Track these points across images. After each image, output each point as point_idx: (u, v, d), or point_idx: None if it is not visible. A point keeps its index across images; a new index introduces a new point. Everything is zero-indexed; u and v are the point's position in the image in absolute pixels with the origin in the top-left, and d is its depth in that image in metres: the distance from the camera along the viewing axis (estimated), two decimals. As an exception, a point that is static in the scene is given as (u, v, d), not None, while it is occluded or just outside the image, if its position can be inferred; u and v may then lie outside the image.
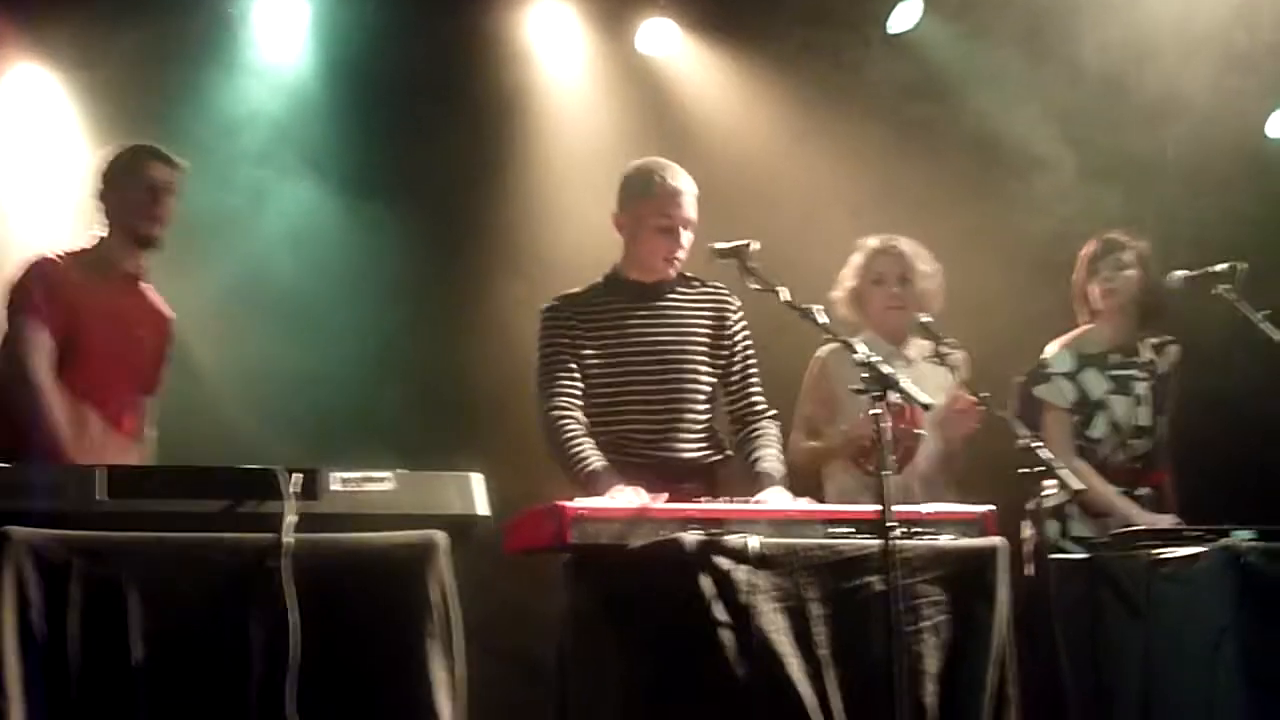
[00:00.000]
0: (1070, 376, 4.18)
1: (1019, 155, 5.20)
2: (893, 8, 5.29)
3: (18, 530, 2.66)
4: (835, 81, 5.25)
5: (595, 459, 3.53)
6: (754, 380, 3.81)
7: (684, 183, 3.72)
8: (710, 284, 3.80)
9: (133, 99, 4.73)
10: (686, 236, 3.70)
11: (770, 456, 3.71)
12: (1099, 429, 4.16)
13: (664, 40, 5.38)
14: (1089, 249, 4.28)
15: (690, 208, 3.70)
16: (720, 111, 5.40)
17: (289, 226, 4.96)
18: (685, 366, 3.72)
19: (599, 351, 3.67)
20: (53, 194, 4.83)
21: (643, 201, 3.70)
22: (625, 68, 5.38)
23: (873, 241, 4.20)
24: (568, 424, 3.59)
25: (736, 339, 3.79)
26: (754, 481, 3.65)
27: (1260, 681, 3.44)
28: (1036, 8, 5.11)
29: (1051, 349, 4.25)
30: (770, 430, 3.77)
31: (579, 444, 3.56)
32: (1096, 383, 4.18)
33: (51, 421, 3.58)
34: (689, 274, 3.80)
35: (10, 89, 4.97)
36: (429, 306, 5.03)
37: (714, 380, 3.77)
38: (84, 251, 3.78)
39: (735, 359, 3.79)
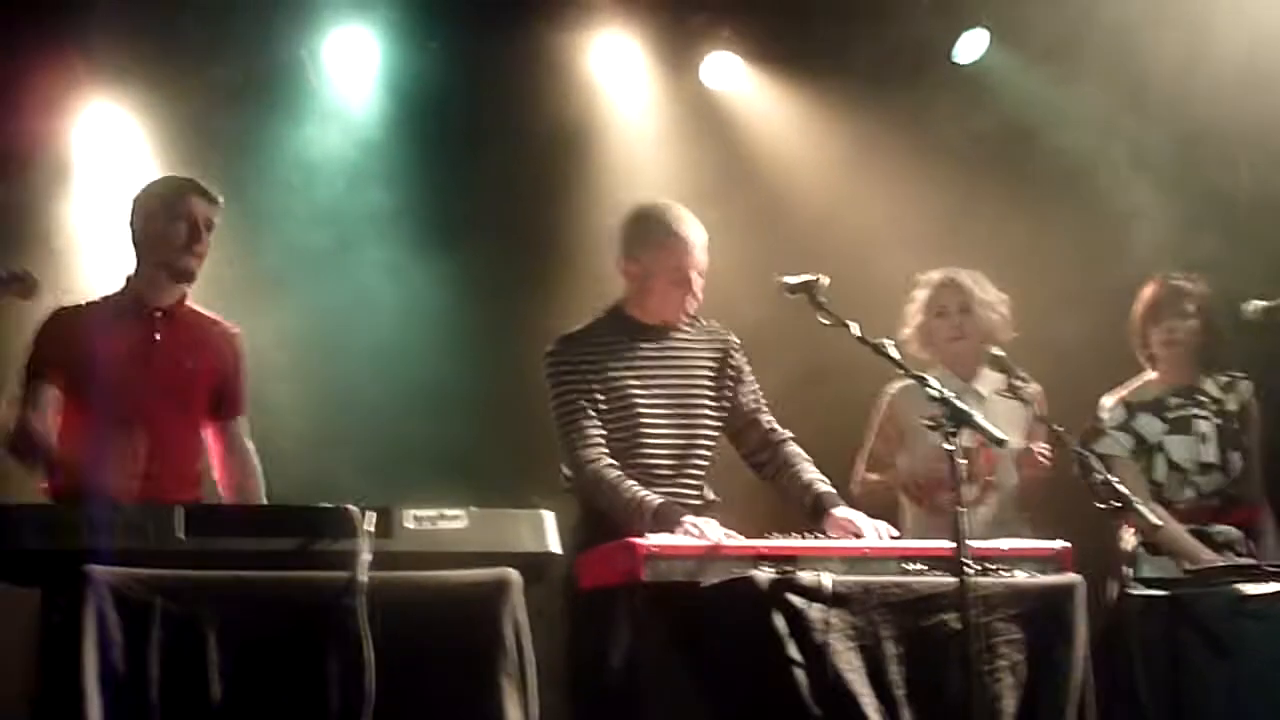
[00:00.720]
0: (1123, 427, 4.14)
1: (1090, 191, 5.12)
2: (959, 36, 5.25)
3: (99, 570, 2.68)
4: (902, 115, 5.21)
5: (654, 497, 3.47)
6: (766, 408, 3.77)
7: (695, 232, 3.64)
8: (709, 321, 3.77)
9: (206, 139, 4.79)
10: (699, 284, 3.65)
11: (820, 477, 3.65)
12: (1159, 471, 4.11)
13: (729, 74, 5.38)
14: (1150, 294, 4.21)
15: (703, 256, 3.64)
16: (785, 145, 5.39)
17: (360, 267, 5.00)
18: (696, 406, 3.68)
19: (609, 392, 3.61)
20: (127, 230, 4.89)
21: (656, 252, 3.62)
22: (690, 101, 5.39)
23: (934, 275, 4.18)
24: (610, 469, 3.53)
25: (742, 374, 3.75)
26: (812, 502, 3.59)
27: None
28: (1105, 37, 5.03)
29: (1105, 403, 4.19)
30: (801, 453, 3.72)
31: (630, 485, 3.50)
32: (1151, 426, 4.14)
33: (47, 452, 3.53)
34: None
35: (88, 127, 5.05)
36: (498, 343, 5.04)
37: (721, 420, 3.72)
38: (111, 296, 3.73)
39: (744, 392, 3.75)
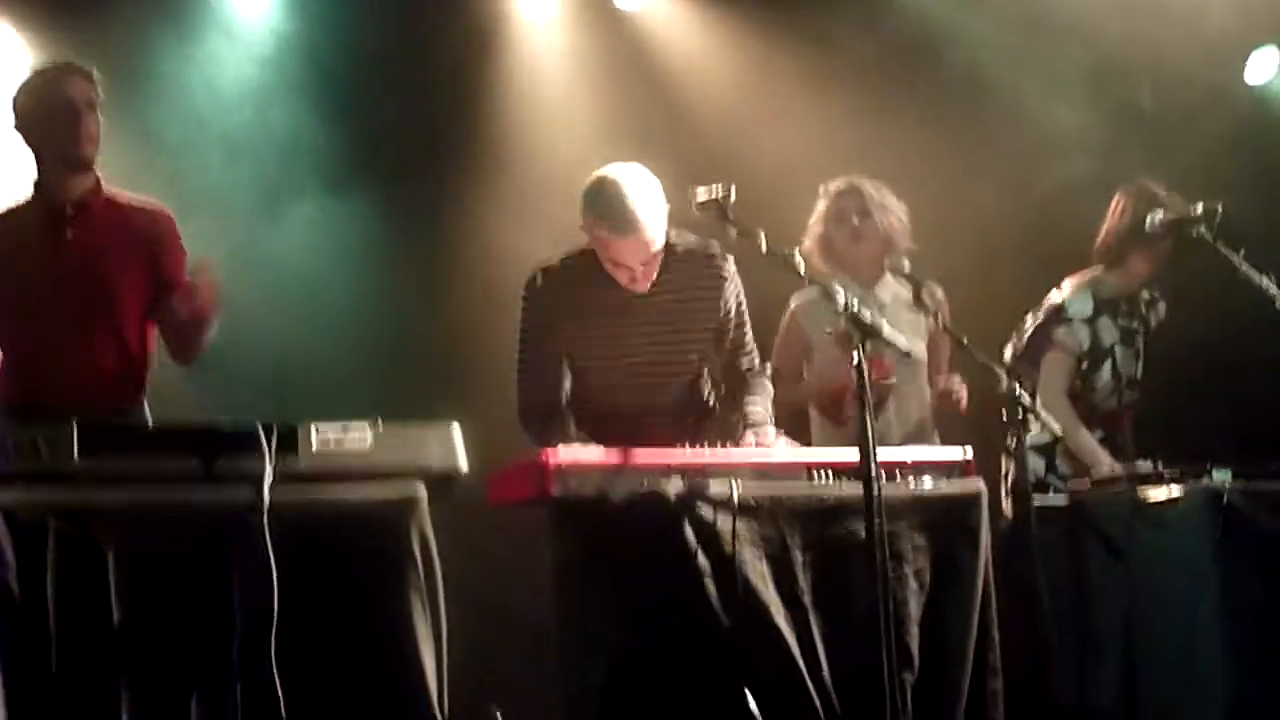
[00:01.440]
0: (1087, 322, 4.16)
1: (1000, 105, 5.14)
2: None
3: (-10, 491, 2.61)
4: (809, 32, 5.19)
5: (570, 438, 3.41)
6: (746, 336, 3.71)
7: (633, 225, 3.37)
8: (699, 245, 3.59)
9: (101, 58, 4.62)
10: (642, 268, 3.45)
11: (757, 403, 3.64)
12: (1103, 379, 4.16)
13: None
14: (1126, 199, 4.17)
15: (644, 246, 3.41)
16: (694, 63, 5.34)
17: (263, 186, 4.88)
18: (675, 349, 3.61)
19: (585, 334, 3.55)
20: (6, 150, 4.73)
21: (599, 234, 3.44)
22: (602, 21, 5.31)
23: (833, 184, 4.17)
24: (542, 411, 3.50)
25: (730, 304, 3.65)
26: (739, 423, 3.59)
27: (1241, 620, 3.45)
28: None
29: (1066, 289, 4.21)
30: (760, 382, 3.70)
31: (555, 428, 3.46)
32: (1108, 332, 4.19)
33: None
34: (672, 239, 3.56)
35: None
36: (405, 258, 4.98)
37: (705, 353, 3.67)
38: (20, 204, 3.54)
39: (729, 324, 3.66)
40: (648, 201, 3.41)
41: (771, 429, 3.55)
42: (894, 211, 4.13)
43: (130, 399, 3.58)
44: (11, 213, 3.58)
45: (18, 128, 3.55)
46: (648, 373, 3.59)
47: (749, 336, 3.73)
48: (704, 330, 3.63)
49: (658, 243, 3.45)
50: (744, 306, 3.70)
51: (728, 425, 3.69)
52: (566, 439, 3.37)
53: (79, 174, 3.54)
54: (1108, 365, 4.17)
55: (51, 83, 3.53)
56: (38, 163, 3.56)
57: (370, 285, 4.92)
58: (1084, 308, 4.17)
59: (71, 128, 3.48)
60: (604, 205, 3.41)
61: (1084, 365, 4.16)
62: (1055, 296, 4.21)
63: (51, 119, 3.49)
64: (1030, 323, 4.22)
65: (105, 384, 3.51)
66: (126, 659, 2.65)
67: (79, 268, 3.51)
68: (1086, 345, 4.16)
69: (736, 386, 3.71)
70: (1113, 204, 4.23)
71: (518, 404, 3.59)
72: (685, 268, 3.57)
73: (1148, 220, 4.06)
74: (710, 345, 3.67)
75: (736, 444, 3.47)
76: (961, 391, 4.00)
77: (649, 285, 3.51)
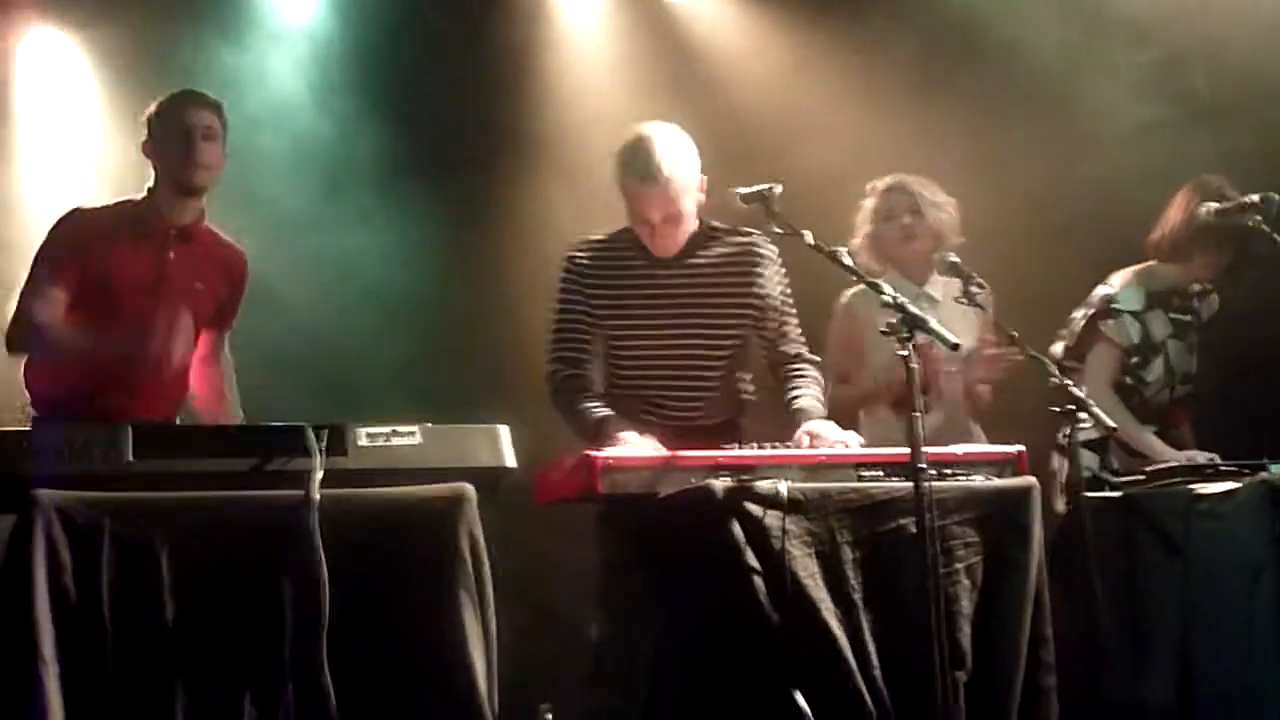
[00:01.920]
0: (1138, 316, 4.10)
1: (1049, 97, 5.08)
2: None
3: (46, 493, 2.64)
4: (856, 25, 5.15)
5: (599, 409, 3.46)
6: (791, 325, 3.70)
7: (657, 174, 3.46)
8: (741, 232, 3.64)
9: (146, 56, 4.68)
10: (675, 221, 3.53)
11: (808, 395, 3.62)
12: (1154, 372, 4.10)
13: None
14: (1194, 195, 4.07)
15: (669, 201, 3.49)
16: (738, 57, 5.32)
17: (311, 188, 4.92)
18: (701, 331, 3.62)
19: (613, 309, 3.58)
20: (72, 153, 4.79)
21: (625, 185, 3.54)
22: (646, 13, 5.29)
23: (881, 182, 4.14)
24: (569, 382, 3.53)
25: (769, 287, 3.65)
26: (791, 419, 3.56)
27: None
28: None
29: (1116, 282, 4.15)
30: (810, 371, 3.68)
31: (583, 398, 3.50)
32: (1160, 325, 4.12)
33: (65, 340, 3.52)
34: (716, 224, 3.66)
35: (28, 52, 4.93)
36: (453, 261, 5.00)
37: (741, 336, 3.67)
38: (128, 204, 3.69)
39: (770, 308, 3.66)
40: (675, 156, 3.50)
41: (823, 421, 3.52)
42: (944, 208, 4.09)
43: (173, 409, 3.74)
44: (118, 209, 3.70)
45: (143, 149, 3.72)
46: (680, 350, 3.59)
47: (794, 326, 3.71)
48: (738, 310, 3.63)
49: (683, 199, 3.51)
50: (789, 295, 3.69)
51: (778, 413, 3.66)
52: (595, 412, 3.41)
53: (189, 199, 3.70)
54: (1160, 360, 4.11)
55: (175, 109, 3.68)
56: (155, 179, 3.71)
57: (422, 285, 4.94)
58: (1134, 301, 4.11)
59: (188, 155, 3.63)
60: (630, 156, 3.52)
61: (1134, 359, 4.09)
62: (1103, 290, 4.16)
63: (168, 144, 3.64)
64: (1080, 316, 4.16)
65: (169, 394, 3.69)
66: (180, 658, 2.67)
67: (175, 286, 3.67)
68: (1136, 339, 4.10)
69: (783, 374, 3.70)
70: (1178, 199, 4.14)
71: (547, 374, 3.59)
72: (720, 247, 3.64)
73: (1203, 210, 3.99)
74: (748, 330, 3.66)
75: (790, 436, 3.45)
76: (1004, 351, 3.84)
77: (676, 250, 3.57)
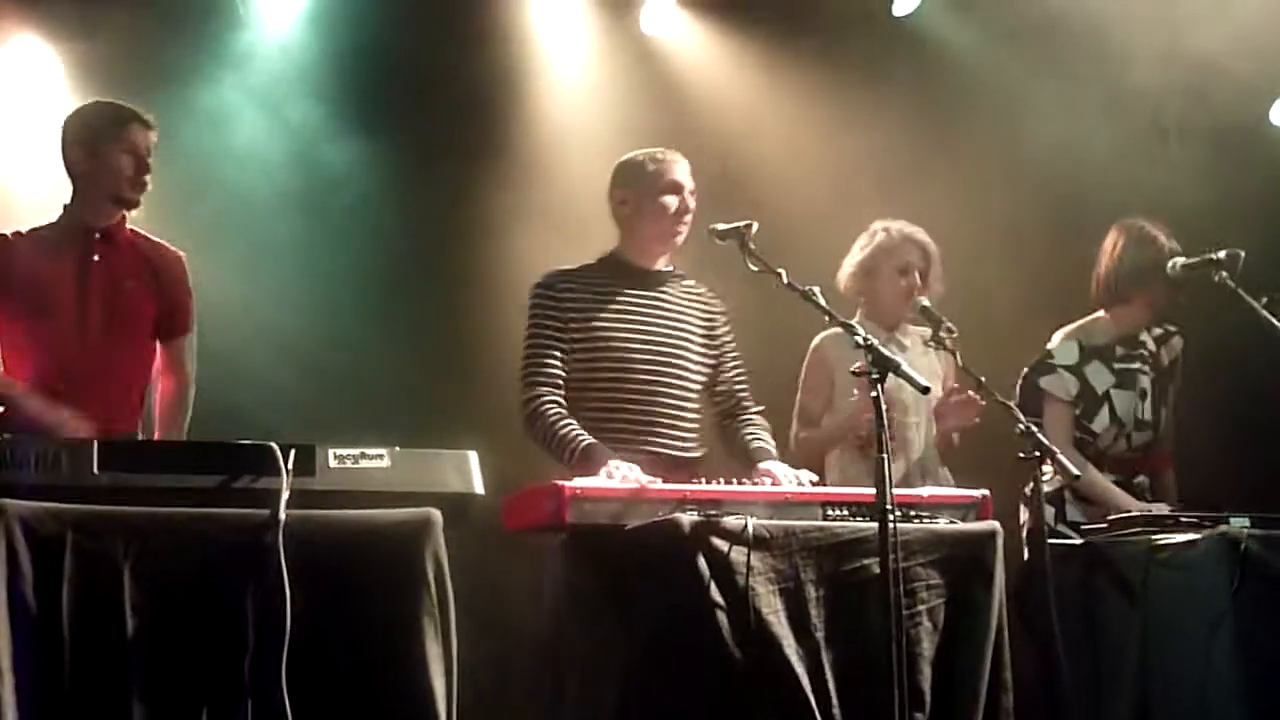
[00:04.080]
0: (1074, 369, 4.13)
1: (1027, 152, 5.15)
2: (897, -9, 5.25)
3: (10, 503, 2.63)
4: (840, 63, 5.20)
5: (585, 437, 3.49)
6: (741, 378, 3.83)
7: (677, 155, 3.76)
8: (699, 285, 3.82)
9: (126, 71, 4.68)
10: (689, 206, 3.71)
11: (764, 438, 3.73)
12: (1101, 423, 4.12)
13: (666, 21, 5.33)
14: (1120, 238, 4.15)
15: (690, 181, 3.74)
16: (721, 92, 5.35)
17: (285, 205, 4.90)
18: (680, 359, 3.70)
19: (590, 336, 3.63)
20: (52, 165, 4.76)
21: (645, 177, 3.71)
22: (628, 47, 5.33)
23: (903, 228, 4.12)
24: (550, 408, 3.56)
25: (724, 339, 3.81)
26: (748, 460, 3.63)
27: (1255, 664, 3.43)
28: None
29: (1056, 339, 4.21)
30: (760, 420, 3.80)
31: (565, 424, 3.53)
32: (1100, 376, 4.14)
33: None
34: (680, 272, 3.81)
35: (8, 61, 4.92)
36: (427, 287, 5.00)
37: (703, 378, 3.76)
38: (49, 225, 3.67)
39: (725, 358, 3.80)
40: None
41: (780, 463, 3.56)
42: (941, 279, 4.11)
43: (131, 422, 3.67)
44: (39, 231, 3.70)
45: (69, 155, 3.68)
46: (648, 371, 3.65)
47: (742, 371, 3.84)
48: (699, 351, 3.74)
49: (692, 193, 3.72)
50: (736, 348, 3.83)
51: (733, 452, 3.74)
52: (580, 440, 3.45)
53: (116, 208, 3.69)
54: (1104, 410, 4.13)
55: (118, 124, 3.65)
56: (75, 187, 3.69)
57: (393, 308, 4.94)
58: (1069, 355, 4.14)
59: (135, 176, 3.64)
60: (644, 155, 3.74)
61: (1077, 411, 4.12)
62: (1047, 347, 4.20)
63: (113, 160, 3.63)
64: (1023, 373, 4.19)
65: (115, 401, 3.62)
66: (139, 672, 2.66)
67: (104, 288, 3.64)
68: (1075, 391, 4.12)
69: (738, 418, 3.78)
70: (1107, 243, 4.18)
71: (525, 399, 3.60)
72: (686, 291, 3.79)
73: (1169, 266, 4.05)
74: (704, 376, 3.74)
75: (749, 476, 3.48)
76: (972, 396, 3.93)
77: (663, 264, 3.76)
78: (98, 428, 3.36)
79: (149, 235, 3.79)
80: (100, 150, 3.63)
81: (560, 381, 3.61)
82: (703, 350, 3.76)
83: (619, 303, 3.67)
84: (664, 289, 3.75)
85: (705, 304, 3.82)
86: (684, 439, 3.69)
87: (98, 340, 3.60)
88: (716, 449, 3.83)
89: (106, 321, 3.62)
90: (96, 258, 3.65)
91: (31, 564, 2.61)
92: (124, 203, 3.67)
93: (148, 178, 3.65)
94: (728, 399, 3.81)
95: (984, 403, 3.72)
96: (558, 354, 3.61)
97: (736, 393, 3.82)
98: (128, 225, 3.73)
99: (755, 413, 3.82)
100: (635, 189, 3.72)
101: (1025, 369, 4.17)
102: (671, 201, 3.69)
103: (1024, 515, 4.06)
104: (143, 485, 2.74)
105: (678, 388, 3.69)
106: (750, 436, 3.73)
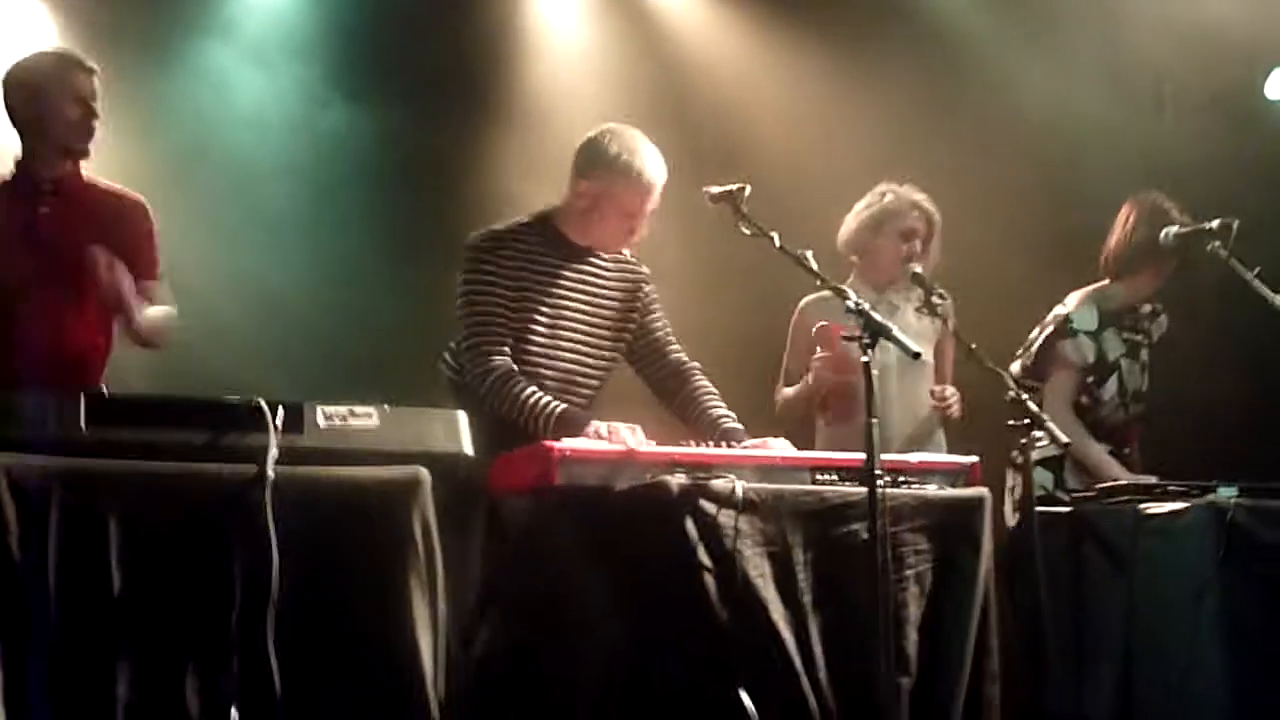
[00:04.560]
0: (1093, 335, 4.13)
1: (1024, 120, 5.12)
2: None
3: (-7, 456, 2.60)
4: (836, 30, 5.17)
5: (557, 403, 3.43)
6: (673, 340, 3.73)
7: (658, 172, 3.56)
8: (624, 253, 3.70)
9: (115, 31, 4.63)
10: (645, 226, 3.60)
11: (727, 413, 3.62)
12: (1109, 390, 4.13)
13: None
14: (1133, 212, 4.13)
15: (654, 198, 3.58)
16: (719, 58, 5.32)
17: (275, 171, 4.88)
18: (593, 333, 3.64)
19: (516, 302, 3.54)
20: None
21: (617, 182, 3.54)
22: (627, 14, 5.30)
23: (910, 192, 4.11)
24: (513, 374, 3.47)
25: (651, 305, 3.71)
26: (719, 438, 3.52)
27: (1240, 634, 3.44)
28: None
29: (1071, 303, 4.18)
30: (708, 384, 3.68)
31: (530, 391, 3.45)
32: (1114, 344, 4.15)
33: None
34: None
35: (1, 20, 4.87)
36: (419, 247, 4.97)
37: (616, 349, 3.69)
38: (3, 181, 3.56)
39: (651, 325, 3.70)
40: (659, 158, 3.55)
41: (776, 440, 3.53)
42: (941, 247, 4.10)
43: (93, 377, 3.58)
44: (4, 183, 3.58)
45: (13, 106, 3.56)
46: (568, 359, 3.60)
47: (674, 336, 3.73)
48: (619, 327, 3.67)
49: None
50: (661, 312, 3.73)
51: (689, 423, 3.63)
52: (549, 405, 3.39)
53: (67, 159, 3.57)
54: (1114, 379, 4.14)
55: (62, 71, 3.55)
56: (23, 140, 3.58)
57: (386, 271, 4.92)
58: (1089, 321, 4.15)
59: (84, 122, 3.52)
60: (625, 149, 3.54)
61: (1090, 379, 4.13)
62: (1060, 310, 4.19)
63: (59, 108, 3.52)
64: (1038, 337, 4.19)
65: (68, 359, 3.51)
66: (125, 627, 2.64)
67: (51, 242, 3.51)
68: (1092, 359, 4.13)
69: (687, 380, 3.68)
70: (1120, 216, 4.19)
71: (474, 359, 3.49)
72: (608, 266, 3.67)
73: (1161, 235, 4.03)
74: (621, 346, 3.69)
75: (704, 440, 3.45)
76: (954, 400, 4.00)
77: (592, 266, 3.62)
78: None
79: (107, 184, 3.64)
80: (45, 99, 3.52)
81: (509, 346, 3.51)
82: (621, 321, 3.67)
83: (547, 274, 3.56)
84: (591, 261, 3.65)
85: (628, 273, 3.70)
86: (581, 407, 3.56)
87: (47, 297, 3.48)
88: (656, 413, 3.69)
89: (54, 277, 3.48)
90: (45, 210, 3.52)
91: (17, 518, 2.58)
92: (73, 153, 3.55)
93: (95, 123, 3.53)
94: (664, 359, 3.69)
95: (958, 410, 3.80)
96: (501, 316, 3.52)
97: (672, 352, 3.70)
98: (83, 176, 3.59)
99: (699, 371, 3.69)
100: (600, 185, 3.57)
101: (1038, 330, 4.15)
102: (626, 225, 3.58)
103: (1011, 481, 4.06)
104: (130, 440, 2.71)
105: (584, 361, 3.62)
106: (715, 412, 3.61)
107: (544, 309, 3.58)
